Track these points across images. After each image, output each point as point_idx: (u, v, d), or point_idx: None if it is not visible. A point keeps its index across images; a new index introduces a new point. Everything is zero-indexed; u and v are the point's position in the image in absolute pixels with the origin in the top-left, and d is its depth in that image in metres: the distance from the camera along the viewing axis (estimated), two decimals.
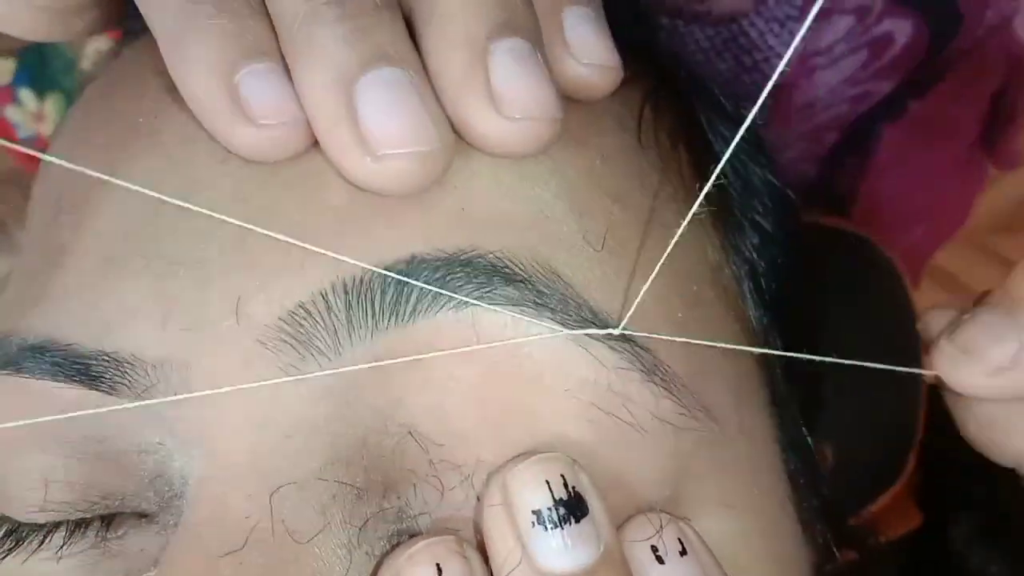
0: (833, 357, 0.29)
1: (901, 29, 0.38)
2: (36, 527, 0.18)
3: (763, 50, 0.37)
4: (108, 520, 0.18)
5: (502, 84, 0.16)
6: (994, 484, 0.35)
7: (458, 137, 0.17)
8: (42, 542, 0.18)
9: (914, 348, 0.37)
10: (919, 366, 0.37)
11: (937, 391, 0.38)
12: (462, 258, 0.16)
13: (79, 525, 0.18)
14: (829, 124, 0.40)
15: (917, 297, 0.53)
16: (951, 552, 0.34)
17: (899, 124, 0.41)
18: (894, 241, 0.45)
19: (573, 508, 0.15)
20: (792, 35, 0.37)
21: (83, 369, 0.17)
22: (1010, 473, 0.35)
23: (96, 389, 0.17)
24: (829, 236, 0.36)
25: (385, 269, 0.16)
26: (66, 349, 0.17)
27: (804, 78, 0.38)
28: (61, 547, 0.18)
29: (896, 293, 0.36)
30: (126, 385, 0.17)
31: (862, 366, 0.29)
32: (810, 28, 0.37)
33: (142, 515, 0.18)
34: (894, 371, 0.37)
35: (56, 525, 0.18)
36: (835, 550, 0.23)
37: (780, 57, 0.37)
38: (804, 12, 0.36)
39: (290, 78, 0.16)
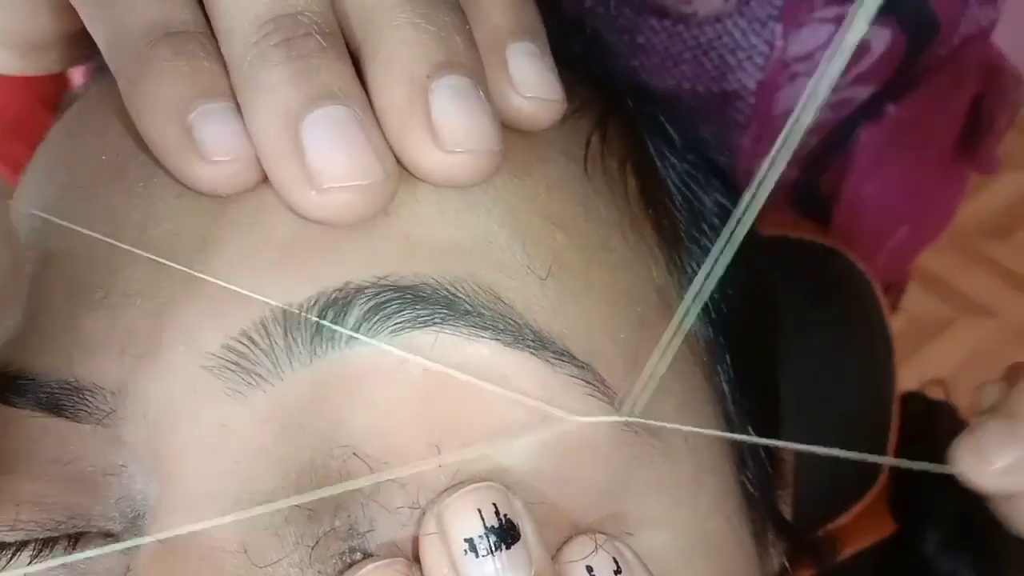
0: (799, 370, 0.30)
1: (879, 36, 0.39)
2: (4, 545, 0.19)
3: (746, 49, 0.38)
4: (75, 539, 0.18)
5: (441, 119, 0.17)
6: (964, 494, 0.36)
7: (404, 169, 0.18)
8: (10, 560, 0.19)
9: (885, 356, 0.38)
10: (892, 375, 0.38)
11: (910, 400, 0.38)
12: (400, 284, 0.17)
13: (46, 543, 0.19)
14: (811, 129, 0.41)
15: (905, 299, 0.53)
16: (922, 560, 0.35)
17: (876, 126, 0.41)
18: (878, 242, 0.45)
19: (504, 535, 0.16)
20: (773, 35, 0.38)
21: (48, 398, 0.18)
22: None
23: (61, 416, 0.18)
24: (799, 249, 0.36)
25: (318, 296, 0.17)
26: (34, 379, 0.18)
27: (786, 82, 0.39)
28: (28, 563, 0.18)
29: (866, 301, 0.37)
30: (87, 411, 0.17)
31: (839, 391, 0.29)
32: (791, 32, 0.38)
33: (107, 535, 0.18)
34: (868, 385, 0.37)
35: (24, 543, 0.19)
36: (787, 564, 0.24)
37: (764, 55, 0.38)
38: (784, 12, 0.37)
39: (242, 117, 0.17)
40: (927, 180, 0.47)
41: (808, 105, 0.14)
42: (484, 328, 0.17)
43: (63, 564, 0.18)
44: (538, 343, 0.17)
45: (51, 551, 0.18)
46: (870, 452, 0.36)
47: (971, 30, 0.42)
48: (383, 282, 0.17)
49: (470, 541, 0.16)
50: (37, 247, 0.19)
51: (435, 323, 0.17)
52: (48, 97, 0.44)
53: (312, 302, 0.17)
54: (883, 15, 0.38)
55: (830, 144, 0.42)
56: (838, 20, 0.38)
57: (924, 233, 0.50)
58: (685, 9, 0.37)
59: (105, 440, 0.18)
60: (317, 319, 0.17)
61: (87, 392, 0.17)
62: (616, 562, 0.17)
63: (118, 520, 0.18)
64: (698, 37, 0.38)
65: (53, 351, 0.18)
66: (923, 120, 0.43)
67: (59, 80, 0.44)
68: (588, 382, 0.18)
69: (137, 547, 0.17)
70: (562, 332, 0.18)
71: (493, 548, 0.16)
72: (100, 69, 0.24)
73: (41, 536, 0.18)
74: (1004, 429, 0.19)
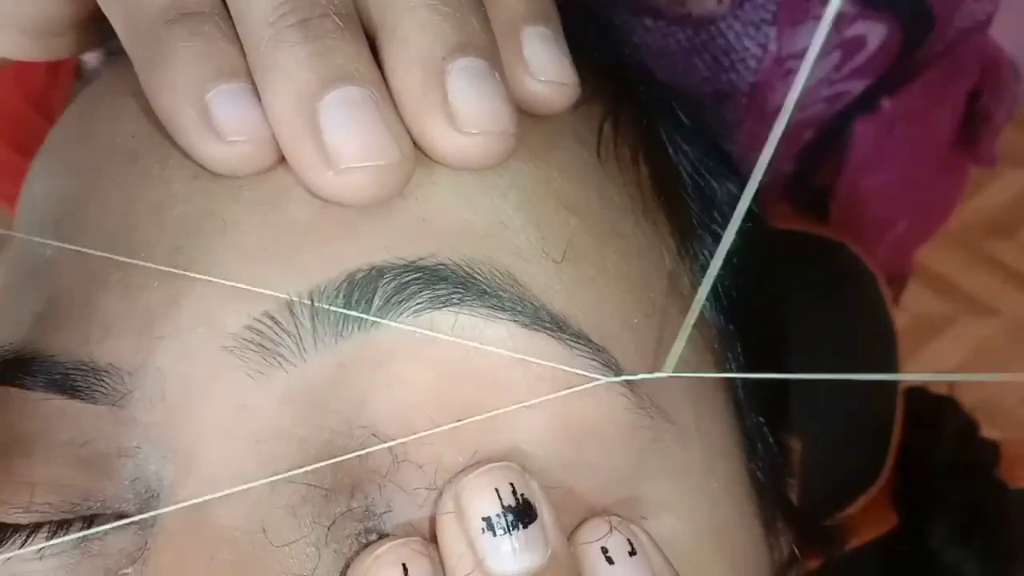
0: (803, 362, 0.30)
1: (874, 31, 0.39)
2: (19, 527, 0.19)
3: (739, 51, 0.38)
4: (89, 521, 0.18)
5: (458, 101, 0.17)
6: (968, 485, 0.36)
7: (420, 151, 0.18)
8: (25, 541, 0.19)
9: (889, 350, 0.38)
10: (894, 368, 0.38)
11: (914, 396, 0.38)
12: (419, 265, 0.17)
13: (61, 525, 0.19)
14: (805, 123, 0.41)
15: (908, 298, 0.53)
16: (927, 552, 0.35)
17: (872, 120, 0.41)
18: (877, 235, 0.46)
19: (521, 515, 0.16)
20: (767, 38, 0.38)
21: (63, 379, 0.18)
22: (983, 474, 0.36)
23: (76, 398, 0.18)
24: (804, 241, 0.36)
25: (346, 277, 0.17)
26: (49, 360, 0.18)
27: (779, 80, 0.39)
28: (43, 547, 0.18)
29: (871, 296, 0.37)
30: (103, 392, 0.17)
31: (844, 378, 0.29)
32: (785, 33, 0.38)
33: (121, 516, 0.18)
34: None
35: (38, 525, 0.19)
36: (796, 551, 0.24)
37: (756, 58, 0.38)
38: (778, 18, 0.37)
39: (259, 97, 0.17)
40: (925, 174, 0.47)
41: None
42: (502, 310, 0.17)
43: (77, 546, 0.18)
44: (555, 325, 0.18)
45: (66, 533, 0.18)
46: (875, 446, 0.37)
47: (967, 23, 0.42)
48: (403, 263, 0.17)
49: (487, 520, 0.16)
50: (53, 230, 0.20)
51: (454, 304, 0.17)
52: (35, 97, 0.44)
53: (339, 284, 0.17)
54: (878, 9, 0.38)
55: (825, 138, 0.42)
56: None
57: (923, 227, 0.50)
58: (679, 10, 0.37)
59: (120, 421, 0.18)
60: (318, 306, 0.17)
61: (103, 373, 0.17)
62: (631, 544, 0.17)
63: (132, 501, 0.18)
64: (692, 38, 0.38)
65: (71, 333, 0.18)
66: (920, 113, 0.43)
67: (47, 80, 0.44)
68: (604, 364, 0.18)
69: (153, 526, 0.17)
70: (577, 316, 0.18)
71: (510, 527, 0.16)
72: (112, 54, 0.24)
73: (56, 518, 0.18)
74: None
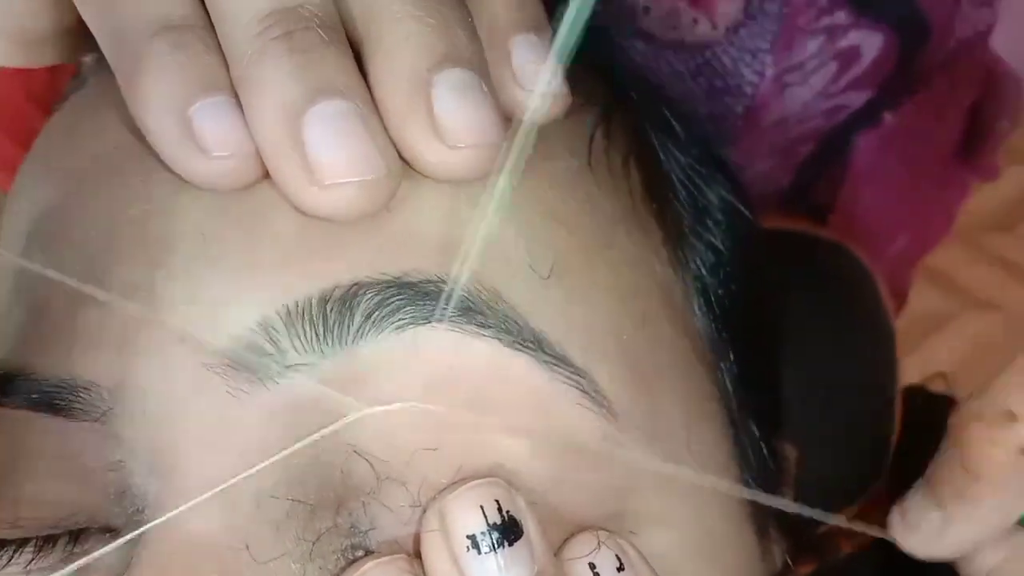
0: (799, 367, 0.30)
1: (869, 42, 0.39)
2: (5, 543, 0.19)
3: (735, 76, 0.38)
4: (75, 535, 0.18)
5: (443, 114, 0.17)
6: None
7: (407, 165, 0.17)
8: (11, 557, 0.19)
9: (888, 349, 0.38)
10: (894, 368, 0.38)
11: (912, 394, 0.38)
12: (404, 280, 0.17)
13: (48, 540, 0.18)
14: (804, 137, 0.41)
15: (909, 294, 0.53)
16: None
17: (873, 134, 0.41)
18: (877, 250, 0.45)
19: (507, 532, 0.16)
20: (763, 65, 0.38)
21: (42, 397, 0.18)
22: None
23: (58, 415, 0.18)
24: (800, 242, 0.36)
25: (327, 293, 0.17)
26: (30, 377, 0.18)
27: (776, 96, 0.39)
28: (30, 561, 0.18)
29: (869, 295, 0.37)
30: (82, 409, 0.17)
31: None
32: (782, 52, 0.38)
33: (108, 530, 0.18)
34: (871, 379, 0.37)
35: (25, 540, 0.19)
36: (789, 560, 0.24)
37: (753, 85, 0.38)
38: (775, 47, 0.37)
39: (243, 111, 0.17)
40: (926, 188, 0.47)
41: None
42: (486, 327, 0.17)
43: (64, 559, 0.18)
44: (536, 345, 0.17)
45: (53, 548, 0.18)
46: (873, 445, 0.37)
47: (966, 33, 0.41)
48: (387, 279, 0.17)
49: (472, 538, 0.16)
50: (38, 246, 0.19)
51: (438, 320, 0.17)
52: (37, 92, 0.44)
53: (316, 300, 0.17)
54: (873, 20, 0.38)
55: (825, 152, 0.42)
56: (827, 30, 0.38)
57: (923, 241, 0.50)
58: (671, 36, 0.37)
59: (103, 437, 0.17)
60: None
61: (83, 390, 0.17)
62: (619, 559, 0.17)
63: (119, 515, 0.18)
64: (687, 62, 0.37)
65: (53, 349, 0.18)
66: (921, 127, 0.43)
67: (49, 76, 0.44)
68: (583, 390, 0.18)
69: (138, 541, 0.17)
70: (563, 334, 0.18)
71: (496, 545, 0.16)
72: (99, 61, 0.23)
73: (43, 533, 0.18)
74: (925, 495, 0.19)
